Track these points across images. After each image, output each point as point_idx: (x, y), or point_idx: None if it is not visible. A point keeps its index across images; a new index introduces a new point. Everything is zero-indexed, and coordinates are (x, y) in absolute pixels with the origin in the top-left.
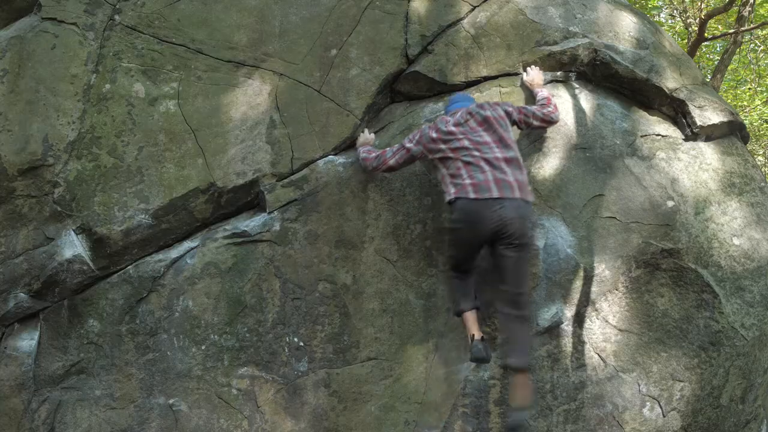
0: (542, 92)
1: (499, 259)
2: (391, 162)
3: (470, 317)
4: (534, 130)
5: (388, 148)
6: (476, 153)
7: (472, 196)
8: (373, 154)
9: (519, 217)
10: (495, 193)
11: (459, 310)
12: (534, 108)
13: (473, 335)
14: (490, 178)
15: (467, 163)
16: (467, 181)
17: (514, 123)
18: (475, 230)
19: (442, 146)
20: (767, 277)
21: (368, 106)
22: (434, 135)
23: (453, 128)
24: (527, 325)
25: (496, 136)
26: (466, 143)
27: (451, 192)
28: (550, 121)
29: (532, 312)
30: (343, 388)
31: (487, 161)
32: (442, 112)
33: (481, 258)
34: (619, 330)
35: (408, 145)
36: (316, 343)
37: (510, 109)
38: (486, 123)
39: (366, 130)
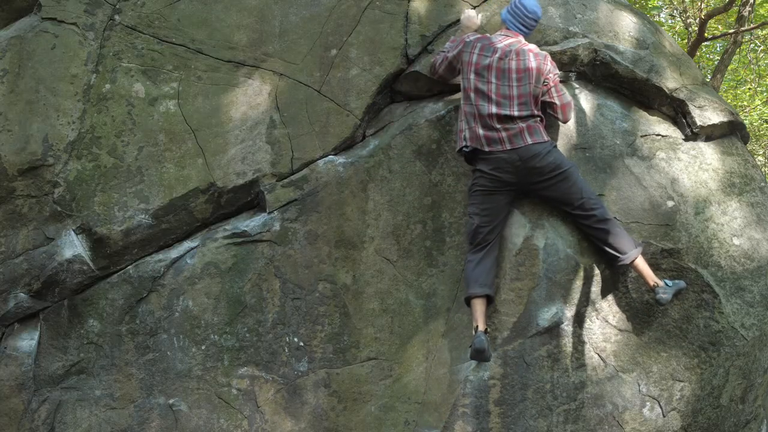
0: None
1: (546, 197)
2: (440, 71)
3: (479, 306)
4: (547, 111)
5: (440, 54)
6: (494, 108)
7: (486, 149)
8: (432, 59)
9: (533, 157)
10: (507, 146)
11: (468, 295)
12: (565, 92)
13: (477, 326)
14: (503, 135)
15: (481, 115)
16: (481, 132)
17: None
18: (497, 177)
19: (472, 76)
20: (767, 277)
21: (368, 106)
22: (475, 55)
23: (495, 62)
24: (607, 223)
25: (524, 91)
26: (492, 90)
27: (465, 137)
28: (564, 114)
29: (603, 209)
30: (343, 388)
31: (500, 118)
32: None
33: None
34: (619, 330)
35: (449, 55)
36: (316, 343)
37: (551, 75)
38: (525, 72)
39: (469, 11)
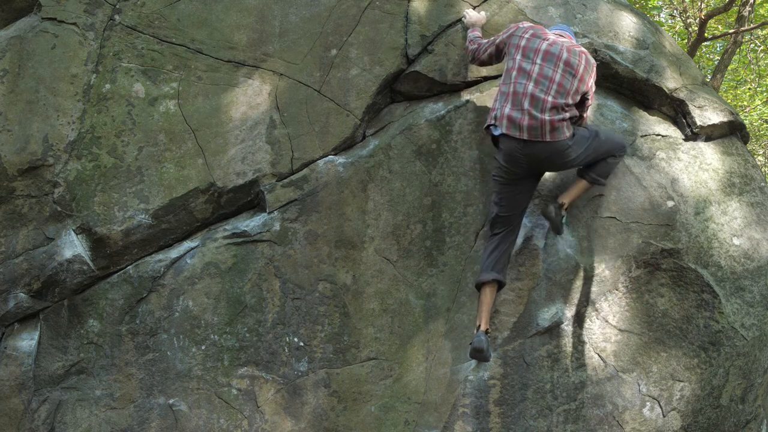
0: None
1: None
2: (483, 56)
3: (487, 296)
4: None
5: (485, 40)
6: (531, 86)
7: (504, 130)
8: (473, 46)
9: (549, 156)
10: (525, 135)
11: (478, 281)
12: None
13: (479, 325)
14: (525, 122)
15: (515, 92)
16: (507, 111)
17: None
18: (510, 170)
19: (518, 56)
20: (767, 277)
21: (368, 106)
22: (525, 38)
23: (543, 46)
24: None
25: (565, 83)
26: (535, 70)
27: (495, 116)
28: (582, 124)
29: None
30: (343, 388)
31: (533, 100)
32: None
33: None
34: (619, 330)
35: (498, 39)
36: (316, 343)
37: (592, 90)
38: (571, 69)
39: (470, 11)
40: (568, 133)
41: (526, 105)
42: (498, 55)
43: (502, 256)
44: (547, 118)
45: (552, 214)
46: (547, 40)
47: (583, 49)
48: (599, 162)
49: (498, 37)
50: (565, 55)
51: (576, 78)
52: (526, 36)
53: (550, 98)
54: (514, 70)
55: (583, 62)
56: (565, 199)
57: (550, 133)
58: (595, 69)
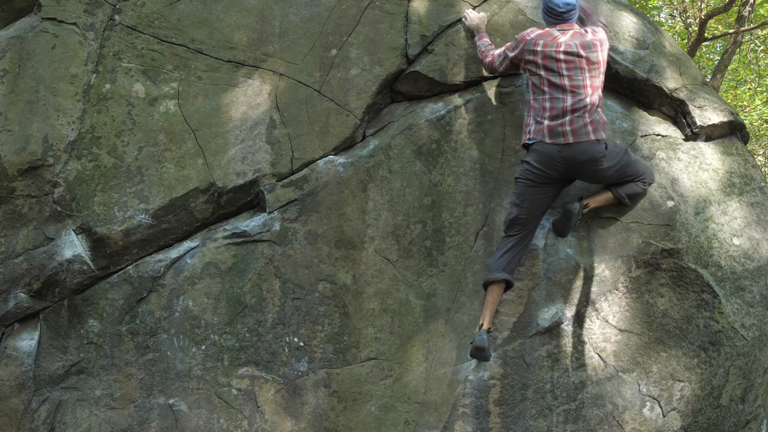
0: None
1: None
2: (501, 69)
3: (492, 296)
4: None
5: (497, 53)
6: (569, 99)
7: (547, 140)
8: (488, 59)
9: (584, 161)
10: (570, 139)
11: (487, 279)
12: None
13: (482, 324)
14: (567, 128)
15: (553, 107)
16: (545, 123)
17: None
18: (545, 172)
19: (542, 72)
20: (767, 277)
21: (368, 106)
22: (538, 51)
23: (561, 56)
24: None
25: (595, 82)
26: (566, 83)
27: (530, 131)
28: None
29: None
30: (343, 388)
31: (573, 110)
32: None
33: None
34: (619, 330)
35: (510, 54)
36: (316, 343)
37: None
38: (593, 65)
39: (470, 11)
40: (603, 135)
41: (567, 116)
42: (515, 68)
43: (514, 258)
44: (588, 119)
45: (575, 210)
46: (561, 45)
47: (591, 35)
48: (629, 183)
49: (509, 51)
50: (582, 53)
51: (599, 68)
52: (538, 49)
53: (587, 100)
54: (544, 85)
55: (599, 49)
56: (590, 202)
57: (593, 132)
58: (606, 40)
